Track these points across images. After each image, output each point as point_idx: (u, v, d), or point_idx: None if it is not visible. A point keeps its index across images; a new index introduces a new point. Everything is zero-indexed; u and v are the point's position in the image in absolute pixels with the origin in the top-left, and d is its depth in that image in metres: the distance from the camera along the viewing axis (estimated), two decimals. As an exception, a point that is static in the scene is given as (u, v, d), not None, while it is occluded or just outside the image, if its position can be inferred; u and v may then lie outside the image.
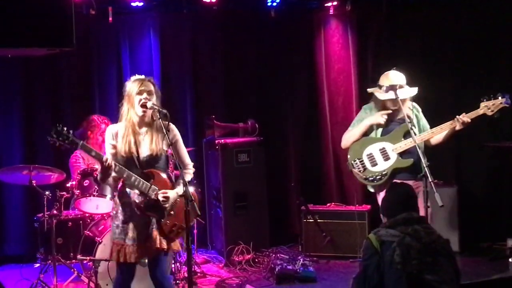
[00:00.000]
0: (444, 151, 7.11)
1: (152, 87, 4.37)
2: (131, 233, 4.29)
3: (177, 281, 5.83)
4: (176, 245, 4.52)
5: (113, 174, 4.23)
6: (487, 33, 7.12)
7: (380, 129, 5.39)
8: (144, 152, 4.32)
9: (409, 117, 5.20)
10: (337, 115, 7.60)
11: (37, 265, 6.02)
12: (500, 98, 5.09)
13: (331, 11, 7.55)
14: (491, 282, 4.79)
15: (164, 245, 4.35)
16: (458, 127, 5.17)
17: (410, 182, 4.87)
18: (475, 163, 7.24)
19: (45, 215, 5.83)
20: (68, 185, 5.97)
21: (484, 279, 5.63)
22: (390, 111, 5.33)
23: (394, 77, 5.37)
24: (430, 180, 4.68)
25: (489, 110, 5.12)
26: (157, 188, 4.31)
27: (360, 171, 5.36)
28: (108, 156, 4.26)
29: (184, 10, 7.27)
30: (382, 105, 5.39)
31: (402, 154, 5.27)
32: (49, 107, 7.13)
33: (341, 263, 6.66)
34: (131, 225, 4.30)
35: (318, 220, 6.89)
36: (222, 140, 6.90)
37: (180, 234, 4.49)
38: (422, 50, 7.34)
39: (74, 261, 5.87)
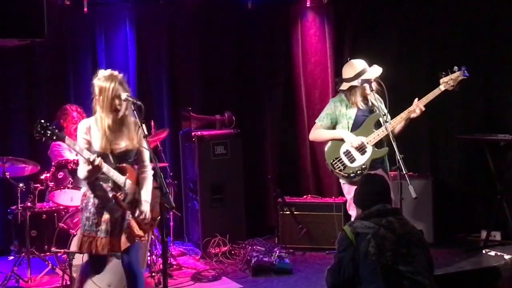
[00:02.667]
0: (419, 144, 7.21)
1: (124, 84, 4.33)
2: (103, 226, 4.28)
3: (153, 274, 5.82)
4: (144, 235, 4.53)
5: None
6: (465, 25, 7.17)
7: (351, 122, 5.41)
8: (118, 147, 4.31)
9: (376, 107, 5.27)
10: (314, 108, 7.61)
11: (11, 257, 5.98)
12: (457, 71, 5.16)
13: (308, 4, 7.55)
14: (464, 273, 4.84)
15: (141, 233, 4.38)
16: (414, 115, 5.24)
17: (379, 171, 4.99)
18: (450, 155, 7.31)
19: (19, 208, 5.79)
20: (42, 177, 5.92)
21: (458, 270, 5.71)
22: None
23: (358, 63, 5.43)
24: (404, 172, 4.71)
25: (450, 85, 5.21)
26: (131, 182, 4.33)
27: (340, 170, 5.38)
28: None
29: (160, 1, 7.23)
30: (357, 97, 5.40)
31: (376, 145, 5.31)
32: (23, 97, 7.03)
33: (317, 255, 6.69)
34: (104, 218, 4.29)
35: (295, 212, 6.91)
36: (199, 132, 6.88)
37: (153, 226, 4.57)
38: (399, 42, 7.37)
39: (48, 253, 5.82)
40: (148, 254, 5.77)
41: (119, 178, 4.28)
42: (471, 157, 7.14)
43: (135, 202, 4.38)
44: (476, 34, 7.14)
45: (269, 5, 7.53)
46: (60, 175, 5.81)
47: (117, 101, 4.24)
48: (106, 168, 4.19)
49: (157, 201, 4.40)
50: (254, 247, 6.51)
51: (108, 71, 4.35)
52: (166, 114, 7.43)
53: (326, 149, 5.50)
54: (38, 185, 5.88)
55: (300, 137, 7.72)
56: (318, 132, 5.59)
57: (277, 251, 6.35)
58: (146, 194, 4.43)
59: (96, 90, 4.30)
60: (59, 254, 5.57)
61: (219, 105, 7.35)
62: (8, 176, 5.74)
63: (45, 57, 7.01)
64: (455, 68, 5.18)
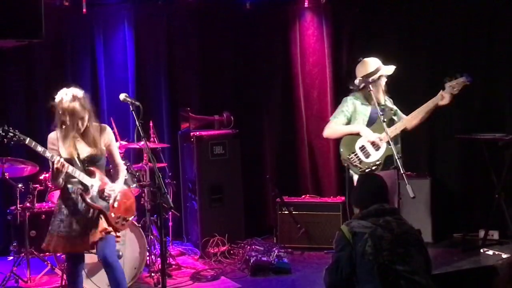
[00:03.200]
0: (418, 144, 7.21)
1: (87, 106, 4.50)
2: (75, 226, 4.47)
3: (152, 274, 5.84)
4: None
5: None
6: (463, 26, 7.17)
7: (366, 120, 5.49)
8: (84, 152, 4.52)
9: (387, 106, 5.36)
10: (312, 108, 7.63)
11: (11, 258, 6.00)
12: (460, 78, 5.29)
13: (306, 4, 7.57)
14: (462, 272, 4.85)
15: (109, 228, 4.56)
16: (443, 102, 5.35)
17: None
18: (448, 155, 7.32)
19: (18, 208, 5.81)
20: (42, 177, 5.93)
21: (456, 269, 5.73)
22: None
23: (372, 61, 5.53)
24: (402, 172, 4.73)
25: (454, 90, 5.31)
26: (100, 182, 4.52)
27: (357, 164, 5.42)
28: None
29: (159, 2, 7.24)
30: (372, 95, 5.43)
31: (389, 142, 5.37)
32: (22, 98, 7.03)
33: (316, 255, 6.70)
34: (75, 218, 4.48)
35: (293, 212, 6.92)
36: (197, 133, 6.89)
37: (124, 226, 4.72)
38: (397, 43, 7.38)
39: (47, 254, 5.83)
40: (147, 254, 5.79)
41: (86, 179, 4.46)
42: (470, 157, 7.14)
43: (106, 201, 4.55)
44: (475, 34, 7.14)
45: (267, 5, 7.55)
46: (59, 175, 5.81)
47: (79, 122, 4.44)
48: (71, 169, 4.38)
49: (132, 202, 4.70)
50: (253, 246, 6.51)
51: (70, 93, 4.52)
52: (165, 114, 7.44)
53: (341, 144, 5.55)
54: (37, 185, 5.91)
55: (298, 137, 7.74)
56: (334, 128, 5.63)
57: (276, 251, 6.36)
58: (116, 183, 4.64)
59: (61, 109, 4.47)
60: (58, 254, 5.58)
61: (217, 105, 7.36)
62: (7, 177, 5.76)
63: (43, 58, 7.02)
64: (458, 74, 5.30)
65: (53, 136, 4.56)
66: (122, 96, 4.31)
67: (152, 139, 6.46)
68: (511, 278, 2.65)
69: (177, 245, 7.10)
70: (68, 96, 4.47)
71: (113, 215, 4.57)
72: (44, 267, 5.96)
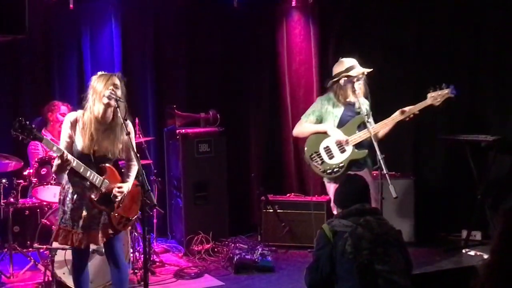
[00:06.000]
0: (402, 144, 7.26)
1: (118, 82, 4.37)
2: (80, 222, 4.33)
3: (136, 270, 5.84)
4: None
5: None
6: (450, 29, 7.23)
7: (337, 121, 5.44)
8: (101, 150, 4.34)
9: (361, 109, 5.31)
10: (298, 107, 7.65)
11: (-6, 253, 5.98)
12: (446, 89, 5.21)
13: (294, 3, 7.58)
14: (443, 272, 4.89)
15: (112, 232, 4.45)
16: (407, 119, 5.28)
17: (364, 172, 5.04)
18: (432, 155, 7.38)
19: (2, 203, 5.78)
20: (26, 173, 5.92)
21: (437, 269, 5.77)
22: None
23: (347, 61, 5.47)
24: (385, 172, 4.76)
25: (436, 101, 5.25)
26: (108, 182, 4.36)
27: (318, 164, 5.40)
28: (63, 144, 4.28)
29: (146, -2, 7.24)
30: (343, 96, 5.43)
31: (357, 146, 5.34)
32: (8, 93, 6.99)
33: (299, 253, 6.73)
34: (80, 214, 4.33)
35: (278, 210, 6.95)
36: (183, 130, 6.90)
37: (127, 226, 4.62)
38: (384, 42, 7.42)
39: (30, 249, 5.82)
40: (131, 250, 5.79)
41: (96, 179, 4.31)
42: (453, 157, 7.20)
43: (112, 201, 4.40)
44: (462, 35, 7.19)
45: (255, 4, 7.55)
46: (43, 171, 5.80)
47: (111, 108, 4.30)
48: (83, 168, 4.22)
49: (136, 201, 4.49)
50: (237, 244, 6.52)
51: (112, 74, 4.42)
52: (150, 111, 7.43)
53: (306, 141, 5.53)
54: (21, 181, 5.89)
55: (284, 136, 7.76)
56: (303, 127, 5.60)
57: (260, 249, 6.37)
58: (126, 183, 4.47)
59: (93, 84, 4.33)
60: (41, 250, 5.56)
61: (203, 103, 7.36)
62: (-9, 172, 5.75)
63: (29, 53, 6.97)
64: (444, 85, 5.23)
65: (72, 117, 4.34)
66: (106, 93, 4.29)
67: (137, 136, 6.46)
68: (487, 279, 2.68)
69: (161, 242, 7.11)
70: (101, 72, 4.36)
71: (116, 215, 4.43)
72: (27, 262, 5.94)
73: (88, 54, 7.16)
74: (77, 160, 4.22)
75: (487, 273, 2.69)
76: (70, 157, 4.17)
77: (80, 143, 4.30)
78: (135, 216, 4.62)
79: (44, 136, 4.23)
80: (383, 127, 5.35)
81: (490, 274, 2.65)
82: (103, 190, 4.35)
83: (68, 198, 4.36)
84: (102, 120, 4.33)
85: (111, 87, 4.29)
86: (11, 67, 7.00)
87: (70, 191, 4.37)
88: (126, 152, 4.48)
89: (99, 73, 4.41)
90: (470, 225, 6.79)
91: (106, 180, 4.37)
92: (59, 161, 4.17)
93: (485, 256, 6.12)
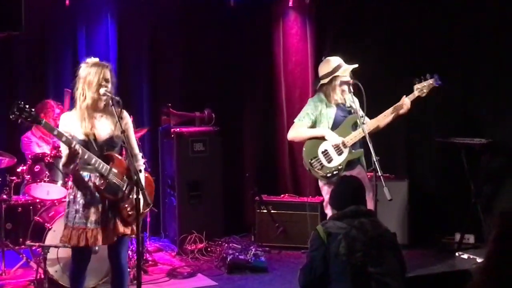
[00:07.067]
0: (396, 145, 7.26)
1: (108, 73, 4.28)
2: (93, 217, 4.20)
3: (128, 269, 5.80)
4: (134, 230, 4.40)
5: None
6: (444, 30, 7.22)
7: (331, 122, 5.43)
8: (102, 135, 4.23)
9: (354, 108, 5.31)
10: (294, 107, 7.62)
11: (-15, 250, 5.94)
12: (430, 79, 5.26)
13: (290, 3, 7.58)
14: (436, 276, 4.89)
15: (128, 231, 4.32)
16: (402, 111, 5.30)
17: (357, 170, 5.12)
18: (426, 157, 7.37)
19: (-6, 200, 5.75)
20: (19, 170, 5.88)
21: (430, 272, 5.77)
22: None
23: (333, 60, 5.45)
24: (380, 174, 4.75)
25: (422, 92, 5.31)
26: (116, 171, 4.24)
27: (318, 169, 5.37)
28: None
29: (143, -4, 7.21)
30: (334, 96, 5.42)
31: (352, 146, 5.34)
32: (3, 89, 6.96)
33: (293, 254, 6.72)
34: (92, 209, 4.21)
35: (272, 211, 6.94)
36: (178, 129, 6.88)
37: (137, 219, 4.37)
38: (380, 43, 7.41)
39: (23, 247, 5.80)
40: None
41: (102, 166, 4.18)
42: (447, 160, 7.19)
43: (121, 191, 4.28)
44: (456, 37, 7.19)
45: (251, 3, 7.54)
46: (37, 168, 5.77)
47: (101, 93, 4.20)
48: (87, 155, 4.10)
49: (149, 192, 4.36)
50: (230, 244, 6.50)
51: (95, 59, 4.34)
52: (145, 110, 7.42)
53: (304, 147, 5.50)
54: (14, 178, 5.84)
55: (279, 136, 7.75)
56: (299, 131, 5.53)
57: (253, 249, 6.36)
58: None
59: (84, 74, 4.25)
60: (33, 248, 5.54)
61: (199, 102, 7.35)
62: (-16, 169, 5.72)
63: (24, 49, 6.95)
64: (428, 75, 5.25)
65: (67, 115, 4.28)
66: (102, 91, 4.26)
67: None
68: (483, 284, 2.67)
69: (154, 241, 7.09)
70: (92, 60, 4.28)
71: (126, 206, 4.27)
72: (19, 260, 5.91)
73: (84, 51, 7.11)
74: (82, 147, 4.09)
75: (483, 277, 2.68)
76: (79, 146, 4.05)
77: (79, 131, 4.18)
78: (147, 209, 4.48)
79: (44, 119, 4.15)
80: (376, 125, 5.35)
81: (486, 279, 2.64)
82: (111, 178, 4.21)
83: (79, 195, 4.23)
84: (97, 107, 4.25)
85: (103, 82, 4.22)
86: (5, 63, 6.97)
87: (80, 187, 4.25)
88: (127, 146, 4.30)
89: (89, 60, 4.32)
90: (463, 228, 6.79)
91: (114, 169, 4.23)
92: (67, 150, 4.08)
93: (478, 260, 6.17)
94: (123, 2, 7.30)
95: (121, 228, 4.28)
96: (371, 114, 5.49)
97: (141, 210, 4.27)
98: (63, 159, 4.20)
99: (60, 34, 7.13)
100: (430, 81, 5.26)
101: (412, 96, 5.30)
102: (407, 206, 6.87)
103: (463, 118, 7.18)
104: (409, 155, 7.43)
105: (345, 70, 5.37)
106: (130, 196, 4.27)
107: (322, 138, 5.39)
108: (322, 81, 5.44)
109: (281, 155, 7.76)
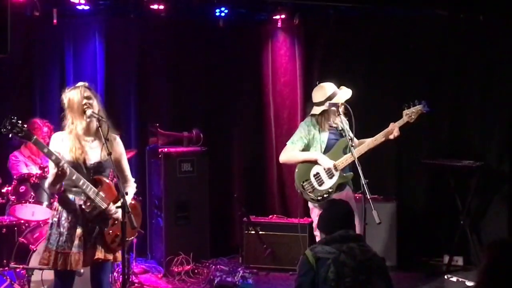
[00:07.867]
0: (385, 167, 7.25)
1: (88, 91, 4.26)
2: (77, 241, 4.16)
3: (114, 292, 5.74)
4: (120, 256, 4.34)
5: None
6: (433, 48, 7.26)
7: (324, 146, 5.43)
8: (92, 159, 4.22)
9: (344, 130, 5.29)
10: (282, 128, 7.63)
11: (-32, 272, 5.84)
12: (418, 105, 5.28)
13: (279, 24, 7.58)
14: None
15: (110, 257, 4.28)
16: (391, 137, 5.31)
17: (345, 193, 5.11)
18: (415, 179, 7.37)
19: (-21, 221, 5.67)
20: (4, 190, 5.80)
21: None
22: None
23: (328, 86, 5.46)
24: (369, 197, 4.73)
25: (411, 118, 5.30)
26: (104, 196, 4.21)
27: (310, 192, 5.38)
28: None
29: (131, 15, 7.16)
30: (328, 121, 5.42)
31: (342, 169, 5.34)
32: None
33: (281, 276, 6.67)
34: (77, 232, 4.17)
35: (260, 232, 6.89)
36: (166, 149, 6.84)
37: (121, 246, 4.34)
38: (368, 64, 7.43)
39: (7, 268, 5.69)
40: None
41: (90, 188, 4.14)
42: (436, 182, 7.20)
43: (106, 217, 4.24)
44: (444, 59, 7.23)
45: (240, 24, 7.55)
46: (22, 189, 5.68)
47: (88, 117, 4.17)
48: (76, 176, 4.07)
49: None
50: (218, 266, 6.48)
51: (80, 84, 4.31)
52: (133, 129, 7.37)
53: (296, 170, 5.49)
54: (-1, 198, 5.78)
55: (267, 156, 7.73)
56: (291, 154, 5.53)
57: (241, 271, 6.33)
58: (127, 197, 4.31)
59: (66, 102, 4.24)
60: (18, 270, 5.45)
61: (187, 122, 7.33)
62: (-32, 189, 5.64)
63: (11, 68, 6.89)
64: (416, 101, 5.28)
65: (58, 135, 4.25)
66: (88, 112, 4.22)
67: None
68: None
69: (140, 262, 7.00)
70: (77, 85, 4.25)
71: (111, 232, 4.24)
72: (3, 282, 5.80)
73: (71, 70, 7.10)
74: (70, 167, 4.06)
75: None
76: (66, 166, 4.01)
77: (68, 154, 4.15)
78: (132, 237, 4.46)
79: (35, 136, 4.09)
80: (365, 150, 5.35)
81: None
82: (97, 202, 4.17)
83: (63, 218, 4.19)
84: (88, 133, 4.24)
85: (85, 101, 4.19)
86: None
87: (65, 210, 4.21)
88: (119, 171, 4.32)
89: (68, 88, 4.31)
90: (452, 250, 6.78)
91: (101, 193, 4.20)
92: (55, 169, 4.03)
93: (467, 283, 6.14)
94: (111, 21, 7.27)
95: (101, 254, 4.23)
96: (360, 137, 5.49)
97: (127, 236, 4.21)
98: (50, 178, 4.15)
99: (47, 52, 7.09)
100: (419, 107, 5.28)
101: (401, 122, 5.31)
102: (396, 228, 6.85)
103: (452, 140, 7.20)
104: (398, 177, 7.42)
105: (341, 98, 5.37)
106: (116, 222, 4.24)
107: (315, 162, 5.39)
108: (317, 108, 5.44)
109: (269, 176, 7.72)
